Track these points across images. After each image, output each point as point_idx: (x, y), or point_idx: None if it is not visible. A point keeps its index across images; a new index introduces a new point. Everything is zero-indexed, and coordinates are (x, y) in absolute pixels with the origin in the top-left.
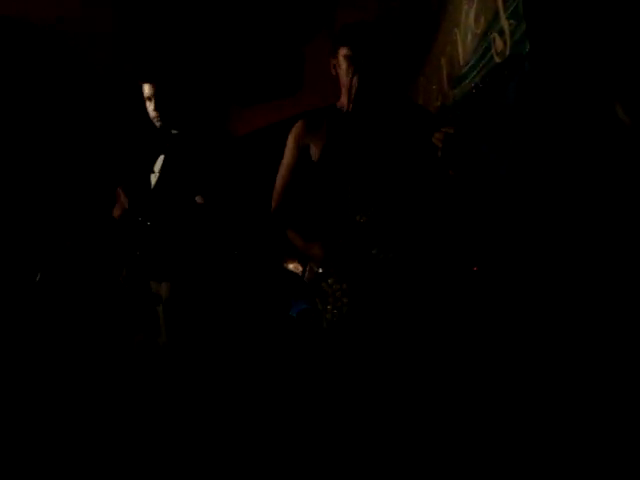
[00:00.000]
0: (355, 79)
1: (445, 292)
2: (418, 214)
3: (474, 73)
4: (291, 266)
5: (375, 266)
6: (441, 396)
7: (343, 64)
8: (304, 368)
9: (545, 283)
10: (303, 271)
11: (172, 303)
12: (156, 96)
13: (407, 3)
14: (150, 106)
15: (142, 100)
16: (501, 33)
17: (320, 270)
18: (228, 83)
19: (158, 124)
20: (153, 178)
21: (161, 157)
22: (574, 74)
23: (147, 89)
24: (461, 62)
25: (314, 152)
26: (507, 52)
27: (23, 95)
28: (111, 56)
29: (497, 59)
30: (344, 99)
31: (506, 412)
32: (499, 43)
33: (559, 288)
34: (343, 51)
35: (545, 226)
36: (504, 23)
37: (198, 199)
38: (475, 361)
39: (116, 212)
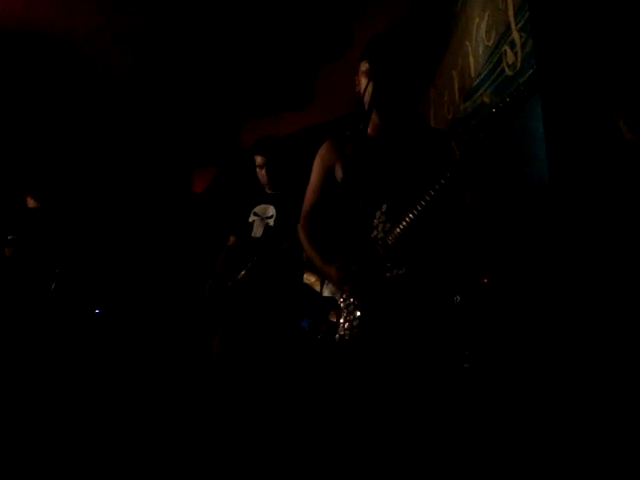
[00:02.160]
0: (372, 93)
1: (453, 308)
2: (432, 230)
3: (485, 85)
4: (312, 279)
5: (387, 281)
6: (450, 407)
7: (363, 80)
8: (313, 380)
9: (553, 294)
10: (321, 284)
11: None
12: (267, 166)
13: (419, 16)
14: (262, 173)
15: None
16: (512, 45)
17: (332, 290)
18: (242, 94)
19: (267, 187)
20: (256, 219)
21: (269, 207)
22: (579, 90)
23: (259, 159)
24: (472, 74)
25: (338, 172)
26: (518, 64)
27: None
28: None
29: (508, 71)
30: (374, 116)
31: (517, 426)
32: (510, 55)
33: (567, 299)
34: (363, 67)
35: (554, 238)
36: (515, 36)
37: None
38: (485, 373)
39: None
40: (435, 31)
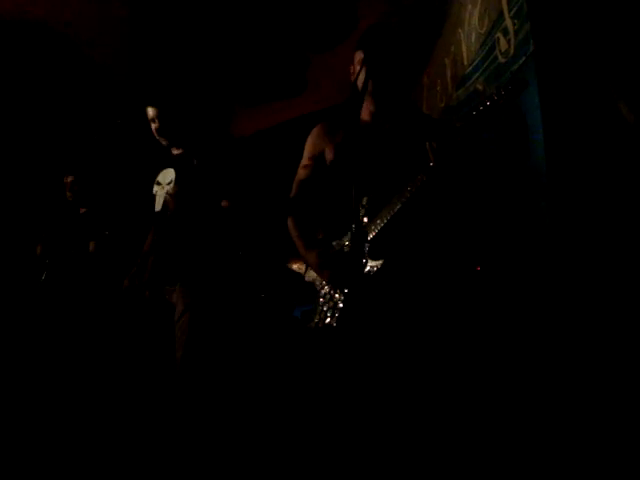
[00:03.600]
0: (366, 83)
1: (434, 301)
2: (414, 223)
3: (478, 73)
4: (295, 266)
5: (363, 274)
6: (435, 398)
7: (357, 69)
8: (294, 367)
9: (548, 283)
10: (305, 271)
11: (191, 307)
12: (159, 119)
13: (411, 3)
14: (154, 127)
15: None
16: (505, 33)
17: (312, 276)
18: (233, 83)
19: (164, 143)
20: (157, 189)
21: (169, 170)
22: (578, 72)
23: (150, 112)
24: (465, 62)
25: (328, 156)
26: (511, 52)
27: (31, 97)
28: (123, 60)
29: (501, 59)
30: (367, 105)
31: (505, 413)
32: (503, 43)
33: (561, 288)
34: (357, 56)
35: (548, 225)
36: (508, 23)
37: (223, 203)
38: (478, 363)
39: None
40: (428, 18)
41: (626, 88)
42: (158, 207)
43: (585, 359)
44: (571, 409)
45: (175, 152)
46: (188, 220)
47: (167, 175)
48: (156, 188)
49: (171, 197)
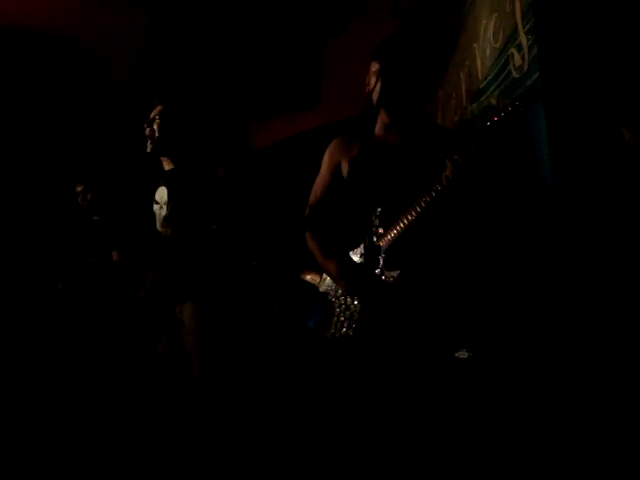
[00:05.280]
0: (381, 94)
1: (450, 312)
2: (424, 238)
3: (492, 87)
4: (308, 277)
5: (380, 285)
6: (447, 408)
7: (372, 80)
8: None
9: (558, 297)
10: (319, 281)
11: (199, 324)
12: (161, 118)
13: (425, 17)
14: (148, 127)
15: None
16: (519, 48)
17: (327, 287)
18: (247, 96)
19: (149, 147)
20: (156, 208)
21: (163, 189)
22: (582, 96)
23: (155, 110)
24: (479, 76)
25: (344, 169)
26: (525, 67)
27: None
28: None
29: (515, 74)
30: (381, 117)
31: (519, 431)
32: (517, 58)
33: (571, 301)
34: (373, 67)
35: (558, 240)
36: (522, 38)
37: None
38: (489, 376)
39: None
40: (443, 32)
41: (629, 114)
42: (159, 227)
43: (593, 368)
44: (578, 420)
45: (166, 167)
46: (187, 240)
47: (163, 194)
48: (155, 207)
49: (165, 224)
